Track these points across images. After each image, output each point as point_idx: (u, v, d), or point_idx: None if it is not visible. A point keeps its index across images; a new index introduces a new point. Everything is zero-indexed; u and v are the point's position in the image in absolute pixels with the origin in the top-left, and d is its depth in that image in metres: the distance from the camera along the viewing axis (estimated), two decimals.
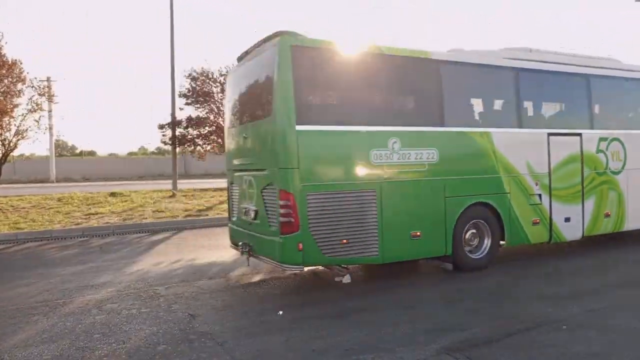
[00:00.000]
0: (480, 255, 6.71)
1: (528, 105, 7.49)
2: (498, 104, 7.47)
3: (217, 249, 8.57)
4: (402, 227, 6.05)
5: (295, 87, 5.50)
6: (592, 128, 7.76)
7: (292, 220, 5.41)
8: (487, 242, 6.75)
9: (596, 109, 8.03)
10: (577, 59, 7.94)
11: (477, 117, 7.18)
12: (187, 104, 18.39)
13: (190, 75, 18.27)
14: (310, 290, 6.06)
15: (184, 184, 22.16)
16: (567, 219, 7.39)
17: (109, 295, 5.76)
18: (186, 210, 13.07)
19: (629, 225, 8.06)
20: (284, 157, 5.54)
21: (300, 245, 5.41)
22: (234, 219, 7.00)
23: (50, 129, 20.24)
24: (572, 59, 7.84)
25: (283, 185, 5.50)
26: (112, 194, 16.89)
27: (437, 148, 6.32)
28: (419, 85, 6.62)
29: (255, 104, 6.47)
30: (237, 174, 6.83)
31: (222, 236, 10.03)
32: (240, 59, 6.96)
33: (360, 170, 5.88)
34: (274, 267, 6.00)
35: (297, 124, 5.47)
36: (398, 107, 6.82)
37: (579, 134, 7.57)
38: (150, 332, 4.48)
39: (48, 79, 21.77)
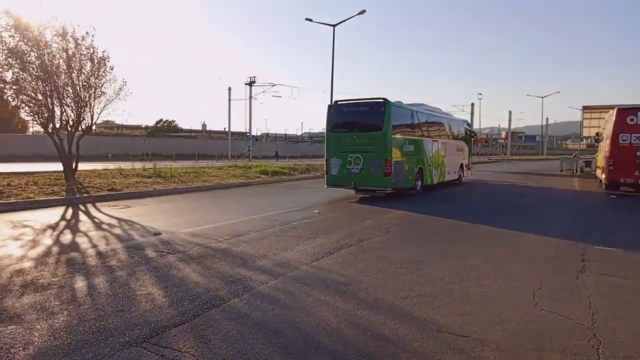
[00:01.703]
0: (419, 188, 16.44)
1: (426, 128, 17.58)
2: (422, 127, 17.21)
3: None
4: (408, 175, 15.41)
5: (392, 119, 14.34)
6: (440, 138, 18.99)
7: (389, 170, 14.07)
8: (421, 183, 16.53)
9: (442, 130, 19.55)
10: (434, 108, 19.64)
11: (419, 133, 16.83)
12: None
13: None
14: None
15: None
16: (434, 175, 17.93)
17: None
18: None
19: (446, 178, 19.54)
20: (387, 147, 14.20)
21: (392, 180, 14.22)
22: (334, 173, 14.98)
23: None
24: (435, 109, 19.70)
25: (386, 157, 14.10)
26: None
27: (413, 145, 16.02)
28: (411, 118, 16.31)
29: (366, 124, 14.75)
30: (341, 153, 14.79)
31: None
32: (345, 104, 15.49)
33: (403, 153, 15.13)
34: (372, 191, 15.33)
35: (392, 135, 14.34)
36: (407, 129, 15.85)
37: (437, 140, 18.47)
38: None
39: None
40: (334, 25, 33.23)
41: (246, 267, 6.32)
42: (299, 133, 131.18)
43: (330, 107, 15.58)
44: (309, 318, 4.47)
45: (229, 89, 57.64)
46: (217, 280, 5.66)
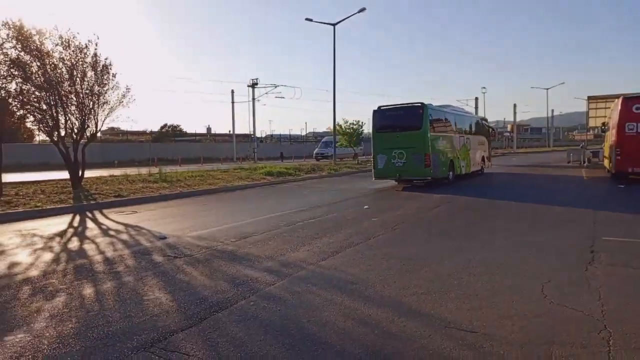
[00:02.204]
0: (452, 177, 18.74)
1: (454, 126, 19.84)
2: (451, 125, 19.58)
3: None
4: (442, 166, 17.96)
5: (429, 120, 17.02)
6: (466, 134, 21.07)
7: (429, 162, 16.72)
8: (452, 173, 18.83)
9: (466, 127, 21.54)
10: (458, 108, 22.83)
11: (449, 130, 19.28)
12: None
13: None
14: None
15: None
16: (462, 166, 20.13)
17: None
18: None
19: (472, 169, 21.43)
20: (426, 142, 16.80)
21: (431, 171, 16.91)
22: (381, 167, 17.62)
23: None
24: (459, 109, 22.89)
25: (426, 151, 16.73)
26: None
27: (445, 140, 18.54)
28: (443, 117, 19.06)
29: (407, 125, 17.25)
30: (386, 149, 17.35)
31: None
32: (388, 108, 18.04)
33: (438, 147, 17.72)
34: (411, 181, 18.21)
35: (430, 133, 16.98)
36: (439, 127, 18.23)
37: (464, 136, 20.68)
38: None
39: None
40: (334, 25, 33.21)
41: (253, 268, 6.32)
42: (304, 133, 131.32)
43: (375, 111, 18.06)
44: (316, 317, 4.46)
45: (232, 91, 57.80)
46: (223, 283, 5.67)
